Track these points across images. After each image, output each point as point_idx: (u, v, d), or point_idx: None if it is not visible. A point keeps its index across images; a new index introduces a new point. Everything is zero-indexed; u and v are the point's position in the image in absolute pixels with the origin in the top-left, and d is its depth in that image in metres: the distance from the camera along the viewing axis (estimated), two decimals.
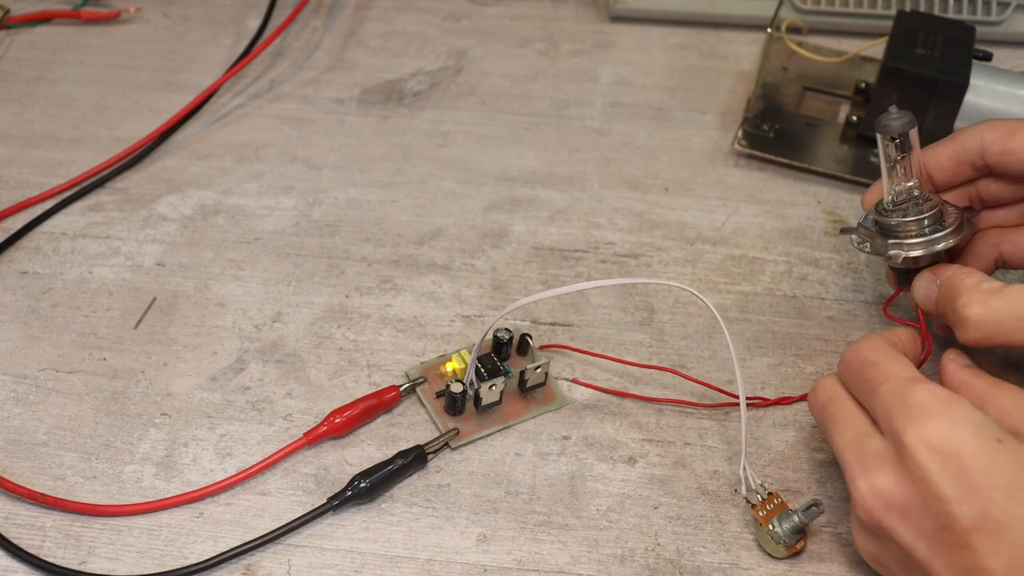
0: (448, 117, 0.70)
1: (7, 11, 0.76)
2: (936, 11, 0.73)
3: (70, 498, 0.50)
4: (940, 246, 0.50)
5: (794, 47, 0.71)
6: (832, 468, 0.52)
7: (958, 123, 0.63)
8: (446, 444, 0.52)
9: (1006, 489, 0.40)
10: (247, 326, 0.58)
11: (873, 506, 0.43)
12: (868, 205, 0.53)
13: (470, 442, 0.53)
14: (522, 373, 0.54)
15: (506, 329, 0.55)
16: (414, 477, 0.51)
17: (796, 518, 0.47)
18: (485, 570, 0.48)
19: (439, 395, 0.54)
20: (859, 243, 0.53)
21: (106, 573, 0.48)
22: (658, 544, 0.49)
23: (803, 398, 0.54)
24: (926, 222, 0.51)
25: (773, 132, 0.67)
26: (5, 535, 0.49)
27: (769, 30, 0.71)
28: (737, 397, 0.50)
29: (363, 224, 0.63)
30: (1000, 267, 0.54)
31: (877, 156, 0.51)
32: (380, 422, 0.54)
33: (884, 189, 0.52)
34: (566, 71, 0.73)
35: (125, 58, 0.74)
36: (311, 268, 0.61)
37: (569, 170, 0.67)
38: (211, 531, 0.49)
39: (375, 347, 0.57)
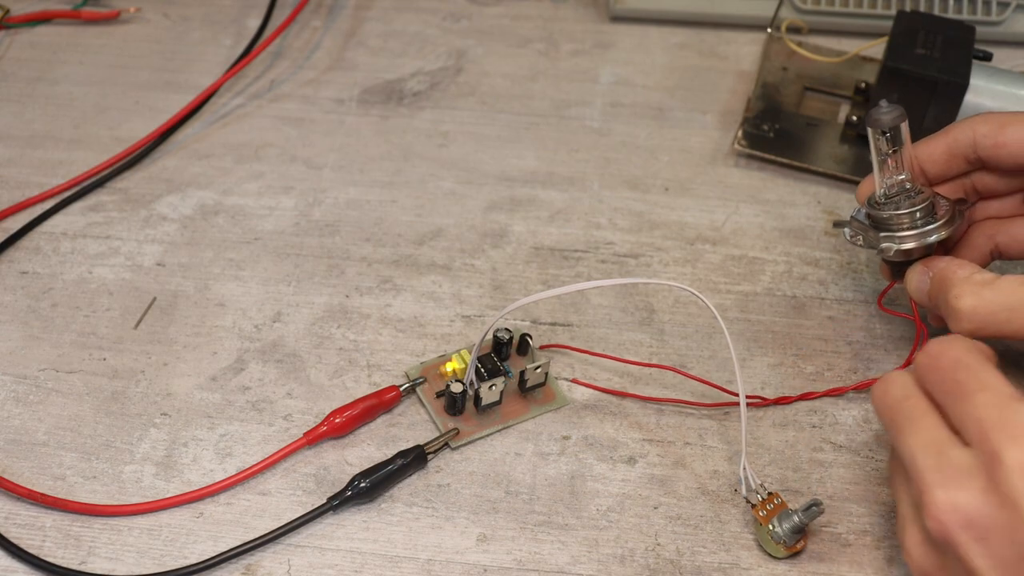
0: (448, 117, 0.70)
1: (7, 11, 0.76)
2: (936, 11, 0.73)
3: (70, 498, 0.50)
4: (932, 238, 0.50)
5: (794, 47, 0.71)
6: (832, 468, 0.52)
7: None
8: (446, 444, 0.52)
9: None
10: (247, 326, 0.58)
11: (949, 520, 0.40)
12: (861, 198, 0.54)
13: (470, 442, 0.53)
14: (522, 373, 0.54)
15: (506, 329, 0.55)
16: (414, 477, 0.51)
17: (796, 518, 0.47)
18: (485, 570, 0.48)
19: (439, 395, 0.54)
20: (852, 236, 0.53)
21: (106, 573, 0.48)
22: (658, 544, 0.49)
23: (802, 397, 0.54)
24: (918, 214, 0.51)
25: (773, 132, 0.67)
26: (5, 535, 0.49)
27: (769, 30, 0.71)
28: (737, 396, 0.50)
29: (363, 224, 0.63)
30: (996, 258, 0.54)
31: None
32: (380, 422, 0.54)
33: (876, 182, 0.52)
34: (566, 71, 0.73)
35: (125, 58, 0.74)
36: (311, 268, 0.61)
37: (569, 170, 0.67)
38: (211, 531, 0.49)
39: (375, 347, 0.57)
